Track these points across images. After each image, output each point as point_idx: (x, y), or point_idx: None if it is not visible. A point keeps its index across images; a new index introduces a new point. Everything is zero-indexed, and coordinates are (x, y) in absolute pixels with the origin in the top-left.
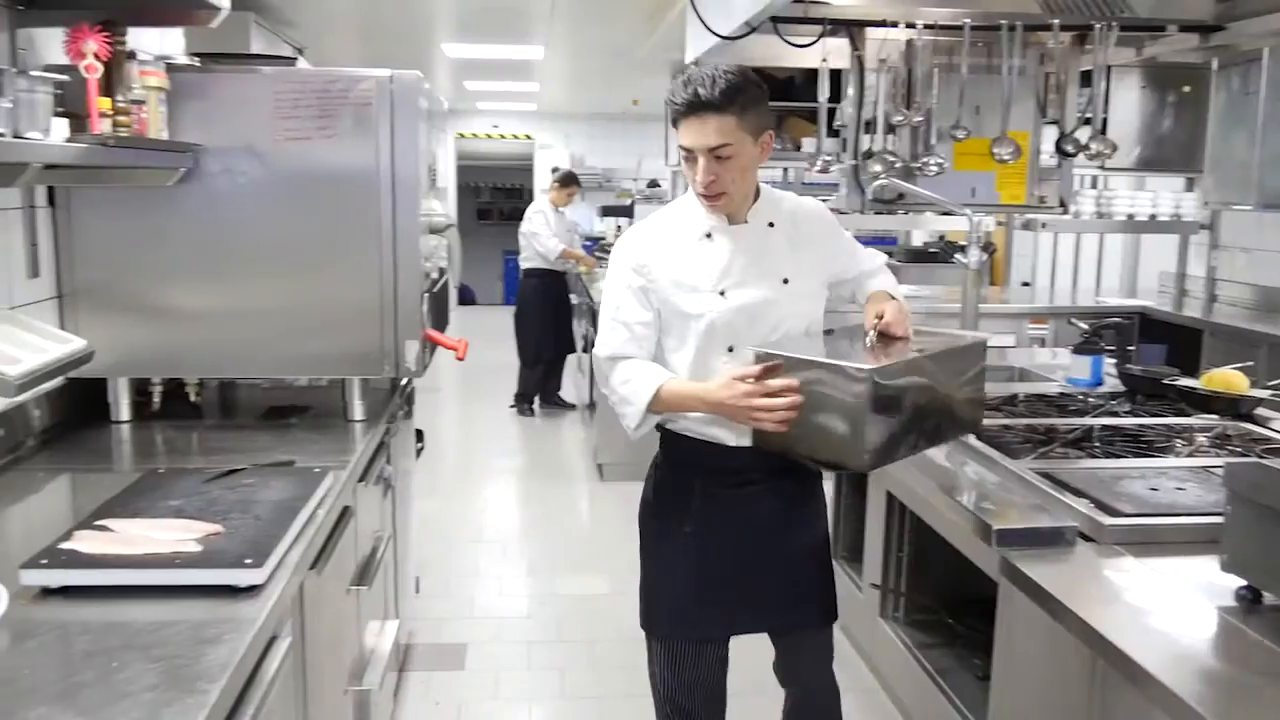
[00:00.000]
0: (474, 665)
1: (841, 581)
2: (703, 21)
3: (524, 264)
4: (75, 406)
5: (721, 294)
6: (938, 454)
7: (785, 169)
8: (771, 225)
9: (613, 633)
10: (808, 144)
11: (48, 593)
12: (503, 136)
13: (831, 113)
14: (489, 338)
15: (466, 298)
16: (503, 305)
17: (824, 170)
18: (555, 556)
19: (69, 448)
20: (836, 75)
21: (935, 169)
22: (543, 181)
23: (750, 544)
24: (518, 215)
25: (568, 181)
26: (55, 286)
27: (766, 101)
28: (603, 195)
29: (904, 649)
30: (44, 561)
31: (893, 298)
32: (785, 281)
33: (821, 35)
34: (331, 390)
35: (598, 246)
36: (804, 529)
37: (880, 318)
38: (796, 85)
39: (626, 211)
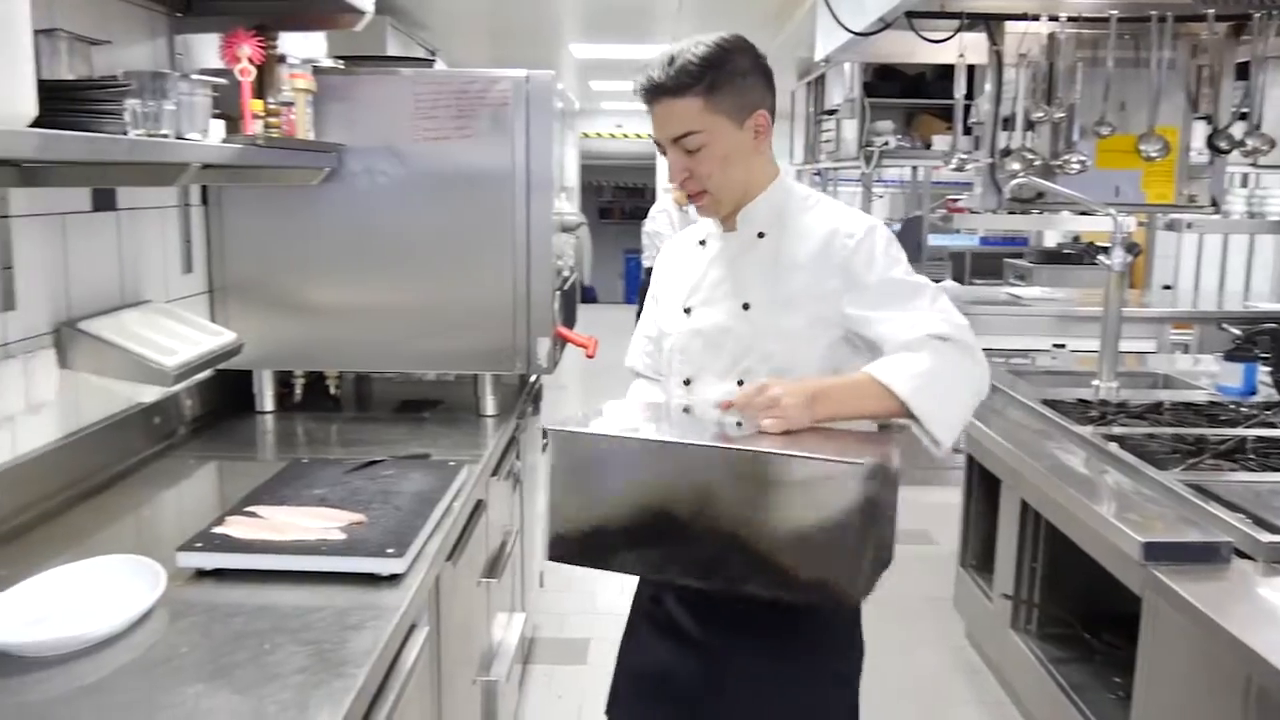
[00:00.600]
0: (595, 660)
1: (970, 590)
2: (835, 17)
3: (646, 262)
4: (222, 396)
5: (687, 312)
6: (1075, 460)
7: (914, 167)
8: (762, 235)
9: None
10: (938, 141)
11: (201, 575)
12: (625, 136)
13: (966, 109)
14: (610, 335)
15: (588, 296)
16: (624, 304)
17: (959, 169)
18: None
19: (216, 436)
20: (971, 71)
21: (1077, 167)
22: (664, 180)
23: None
24: (639, 214)
25: None
26: (207, 281)
27: (757, 73)
28: None
29: (1036, 663)
30: (199, 545)
31: (881, 385)
32: (745, 307)
33: (959, 30)
34: (460, 385)
35: None
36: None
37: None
38: (928, 81)
39: None
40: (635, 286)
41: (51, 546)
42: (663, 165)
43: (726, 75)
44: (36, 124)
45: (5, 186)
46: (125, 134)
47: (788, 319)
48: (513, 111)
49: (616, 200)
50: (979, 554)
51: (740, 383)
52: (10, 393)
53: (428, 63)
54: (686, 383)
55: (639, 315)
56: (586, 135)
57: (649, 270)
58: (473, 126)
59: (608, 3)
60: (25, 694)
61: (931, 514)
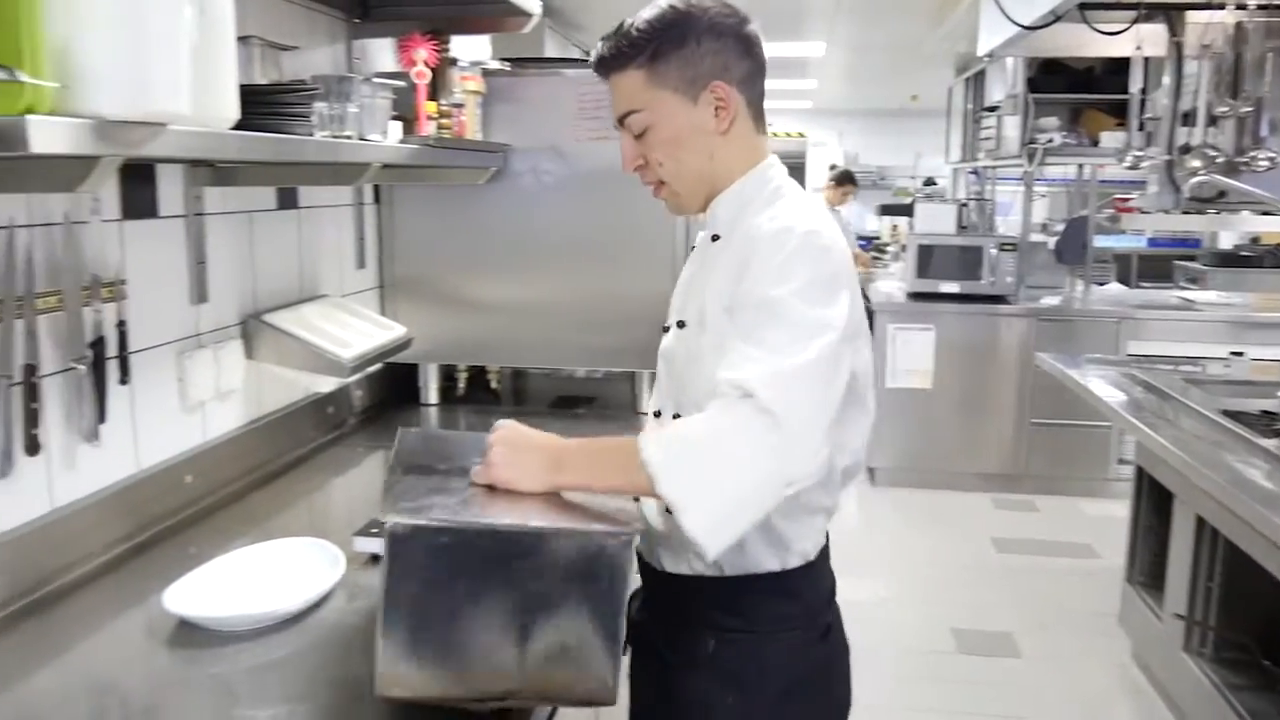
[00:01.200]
0: None
1: (1137, 608)
2: (1003, 10)
3: None
4: (389, 388)
5: (665, 329)
6: (1258, 475)
7: (1080, 165)
8: (716, 239)
9: (889, 641)
10: (1107, 138)
11: (375, 559)
12: (775, 134)
13: (1141, 104)
14: None
15: None
16: None
17: (1132, 166)
18: None
19: (383, 426)
20: (1146, 63)
21: (1265, 164)
22: (815, 180)
23: None
24: None
25: (843, 180)
26: (378, 277)
27: (714, 36)
28: (877, 194)
29: (1211, 688)
30: (374, 530)
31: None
32: (680, 325)
33: (1135, 21)
34: (612, 382)
35: (872, 246)
36: None
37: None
38: (1096, 76)
39: (906, 210)
40: None
41: (236, 527)
42: (813, 163)
43: (673, 40)
44: (236, 127)
45: (201, 185)
46: (313, 135)
47: (714, 340)
48: None
49: None
50: (1148, 570)
51: (675, 416)
52: (202, 380)
53: (588, 64)
54: (656, 415)
55: None
56: None
57: None
58: None
59: (764, 1)
60: (216, 665)
61: (1094, 526)
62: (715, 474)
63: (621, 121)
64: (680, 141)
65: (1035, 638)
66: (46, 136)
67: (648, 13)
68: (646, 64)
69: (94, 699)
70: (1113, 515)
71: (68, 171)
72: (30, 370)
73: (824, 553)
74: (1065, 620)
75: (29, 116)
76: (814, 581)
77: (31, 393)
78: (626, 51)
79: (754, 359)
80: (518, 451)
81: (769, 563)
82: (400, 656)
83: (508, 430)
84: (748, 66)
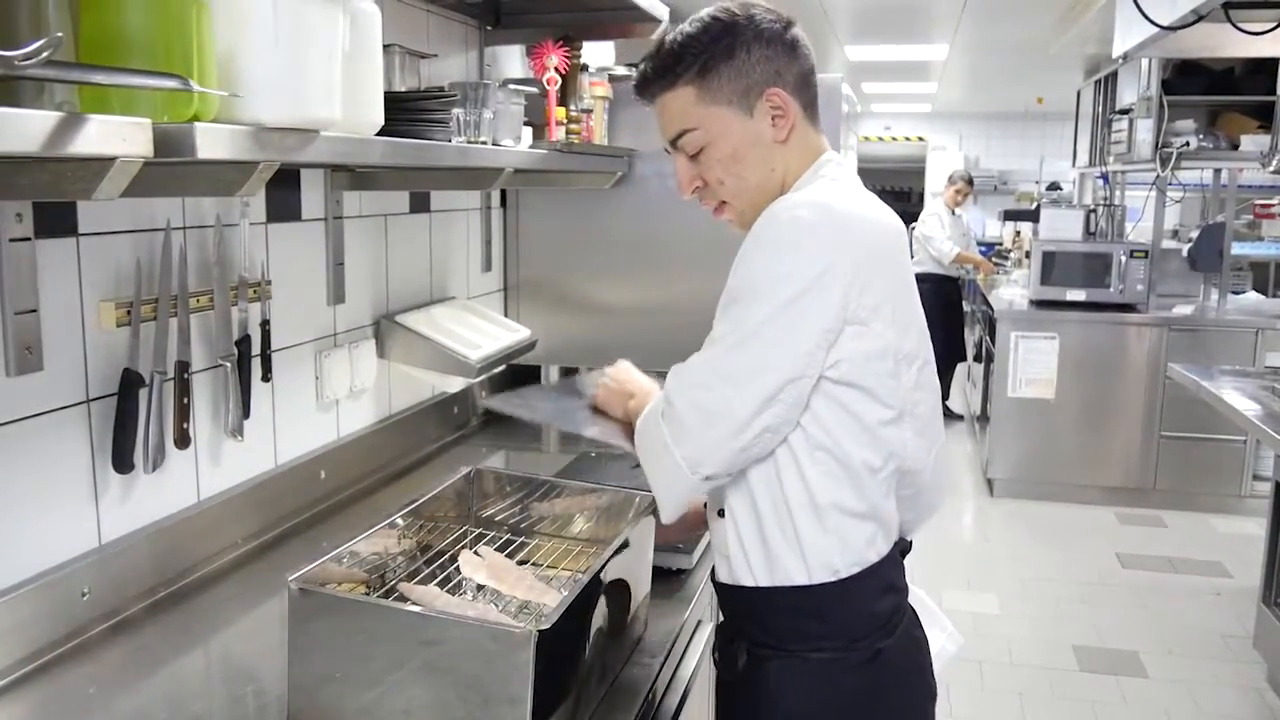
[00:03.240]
0: None
1: (1274, 630)
2: (1141, 11)
3: (916, 268)
4: (509, 389)
5: None
6: None
7: (1218, 170)
8: None
9: (1003, 655)
10: (1247, 142)
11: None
12: (894, 139)
13: None
14: None
15: None
16: None
17: (1278, 171)
18: (942, 571)
19: (505, 428)
20: None
21: None
22: (934, 185)
23: None
24: (904, 219)
25: (956, 179)
26: (503, 280)
27: (763, 42)
28: (999, 199)
29: None
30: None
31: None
32: None
33: None
34: None
35: (994, 252)
36: None
37: None
38: (1236, 77)
39: (1031, 215)
40: None
41: (365, 523)
42: (932, 167)
43: (722, 52)
44: (379, 133)
45: (341, 190)
46: (450, 141)
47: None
48: None
49: None
50: None
51: None
52: (337, 379)
53: None
54: None
55: None
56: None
57: (919, 276)
58: None
59: (886, 3)
60: None
61: (1225, 544)
62: (645, 461)
63: (674, 144)
64: (740, 157)
65: (1163, 658)
66: (212, 143)
67: (690, 27)
68: (697, 79)
69: (232, 685)
70: (1246, 533)
71: (229, 176)
72: (183, 367)
73: (871, 571)
74: (1195, 641)
75: (196, 124)
76: (847, 600)
77: (184, 388)
78: (674, 69)
79: (693, 360)
80: (612, 391)
81: (796, 574)
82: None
83: (616, 370)
84: (799, 69)
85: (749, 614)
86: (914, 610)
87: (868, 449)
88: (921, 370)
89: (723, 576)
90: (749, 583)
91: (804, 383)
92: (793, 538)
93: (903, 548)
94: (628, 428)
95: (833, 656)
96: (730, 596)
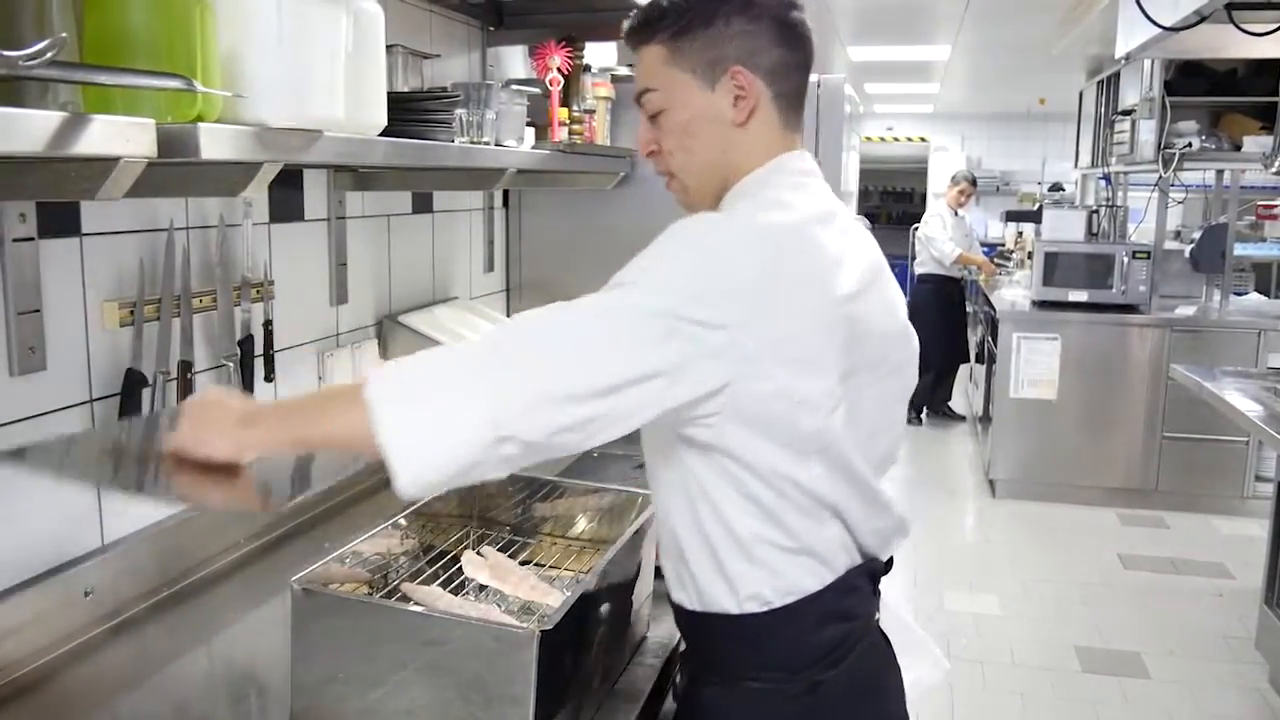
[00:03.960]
0: None
1: (1276, 631)
2: (1144, 11)
3: (918, 269)
4: None
5: None
6: None
7: (1220, 171)
8: None
9: (1005, 655)
10: (1250, 143)
11: None
12: (896, 139)
13: None
14: None
15: None
16: None
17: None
18: (943, 572)
19: None
20: None
21: None
22: (936, 185)
23: None
24: (906, 219)
25: (958, 179)
26: (505, 280)
27: (746, 17)
28: (1001, 199)
29: None
30: None
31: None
32: None
33: None
34: None
35: (996, 253)
36: None
37: None
38: (1239, 78)
39: (1033, 216)
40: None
41: (366, 523)
42: (934, 168)
43: (702, 17)
44: (382, 133)
45: (344, 190)
46: (453, 141)
47: None
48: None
49: (884, 205)
50: None
51: None
52: (339, 378)
53: None
54: None
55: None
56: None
57: (921, 277)
58: None
59: (888, 3)
60: None
61: (1228, 545)
62: (423, 394)
63: (638, 101)
64: (692, 131)
65: (1164, 659)
66: (215, 143)
67: None
68: (669, 40)
69: (235, 685)
70: (1248, 534)
71: (232, 176)
72: (186, 367)
73: (811, 600)
74: (1197, 642)
75: (200, 124)
76: (782, 630)
77: (187, 388)
78: (655, 24)
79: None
80: (206, 409)
81: (725, 601)
82: None
83: (204, 392)
84: (780, 55)
85: (688, 637)
86: (882, 638)
87: (773, 489)
88: (831, 415)
89: (673, 594)
90: (687, 605)
91: (650, 391)
92: (717, 569)
93: (872, 569)
94: (227, 474)
95: (771, 687)
96: (676, 616)
